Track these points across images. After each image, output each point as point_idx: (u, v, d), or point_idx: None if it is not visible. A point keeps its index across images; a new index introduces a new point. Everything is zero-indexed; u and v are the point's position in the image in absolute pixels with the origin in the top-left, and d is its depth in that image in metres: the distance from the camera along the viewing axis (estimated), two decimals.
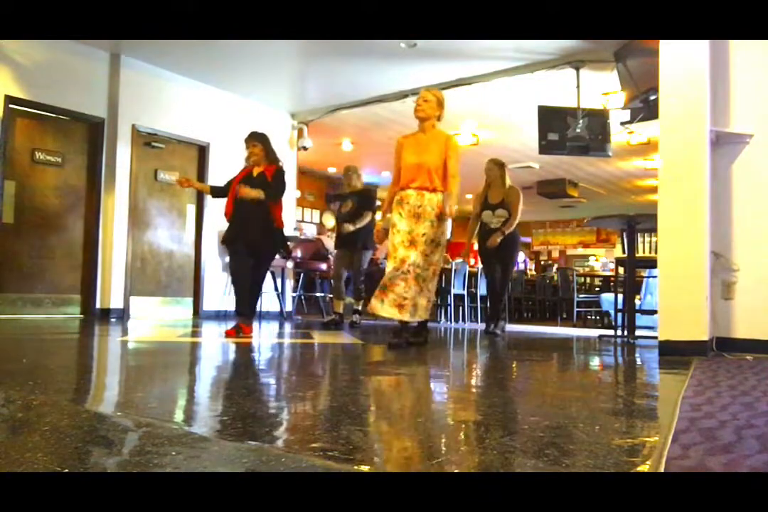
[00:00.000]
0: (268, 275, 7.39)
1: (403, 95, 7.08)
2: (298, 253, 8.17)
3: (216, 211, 7.16)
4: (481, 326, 7.36)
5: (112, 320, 5.96)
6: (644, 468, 1.09)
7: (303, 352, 3.77)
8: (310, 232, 10.44)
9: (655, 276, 4.94)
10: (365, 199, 6.13)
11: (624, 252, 4.83)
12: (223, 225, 7.21)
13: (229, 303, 7.27)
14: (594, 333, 6.15)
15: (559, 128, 6.11)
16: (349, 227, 5.93)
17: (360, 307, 6.22)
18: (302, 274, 7.80)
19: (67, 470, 1.01)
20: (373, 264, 7.56)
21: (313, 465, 1.08)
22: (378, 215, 6.26)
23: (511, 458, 1.19)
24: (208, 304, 7.10)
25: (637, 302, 5.95)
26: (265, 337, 4.74)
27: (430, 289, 3.87)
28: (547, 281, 10.87)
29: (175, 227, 6.90)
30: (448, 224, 4.01)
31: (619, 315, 5.12)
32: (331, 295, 8.40)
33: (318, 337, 4.69)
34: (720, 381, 2.36)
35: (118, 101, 6.24)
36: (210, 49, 5.97)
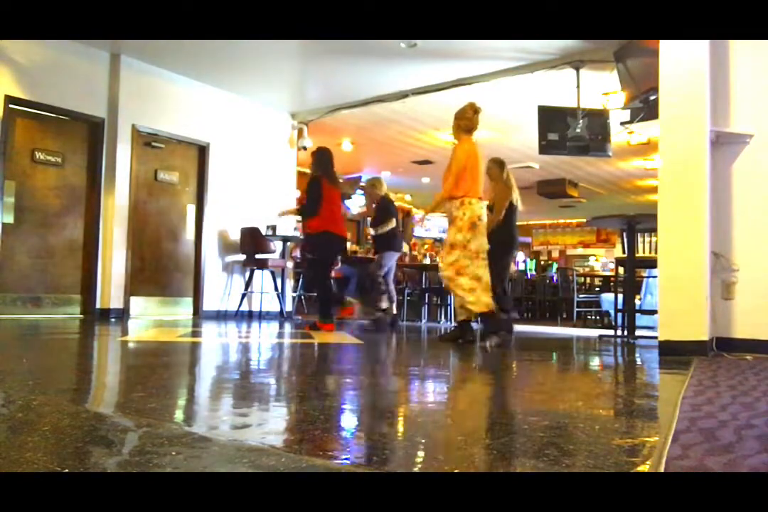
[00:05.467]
0: (268, 275, 7.44)
1: (403, 95, 7.08)
2: (297, 253, 8.17)
3: (216, 211, 7.18)
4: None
5: (112, 320, 5.96)
6: (644, 468, 1.09)
7: (303, 352, 3.77)
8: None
9: (655, 276, 4.94)
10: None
11: (624, 252, 4.83)
12: (223, 225, 7.28)
13: (229, 304, 7.30)
14: (594, 333, 6.15)
15: (559, 128, 6.11)
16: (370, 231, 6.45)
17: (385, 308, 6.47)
18: (302, 274, 7.80)
19: (67, 470, 1.01)
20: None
21: (313, 465, 1.08)
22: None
23: (511, 458, 1.19)
24: (208, 304, 7.10)
25: (637, 302, 5.95)
26: (265, 337, 4.74)
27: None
28: (547, 281, 10.88)
29: (175, 227, 6.90)
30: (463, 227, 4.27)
31: (619, 315, 5.12)
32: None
33: (318, 337, 4.69)
34: (720, 381, 2.36)
35: (118, 101, 6.24)
36: (210, 49, 5.97)
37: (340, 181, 6.56)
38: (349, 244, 10.07)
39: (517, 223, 5.41)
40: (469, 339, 4.32)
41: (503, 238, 5.12)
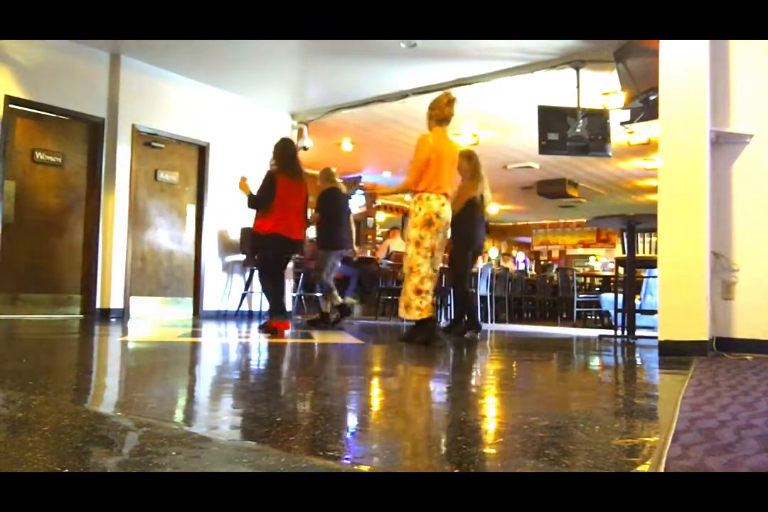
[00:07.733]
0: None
1: (403, 95, 7.08)
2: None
3: (216, 211, 7.17)
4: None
5: (112, 320, 5.96)
6: (644, 468, 1.09)
7: (304, 352, 3.77)
8: (311, 232, 10.39)
9: (655, 276, 4.94)
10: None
11: (624, 252, 4.83)
12: (223, 225, 7.28)
13: (229, 304, 7.30)
14: (594, 333, 6.15)
15: (559, 128, 6.11)
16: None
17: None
18: (302, 274, 7.80)
19: (67, 470, 1.01)
20: (373, 264, 7.52)
21: (313, 465, 1.08)
22: None
23: (511, 458, 1.19)
24: (208, 304, 7.10)
25: (637, 302, 5.95)
26: (265, 337, 4.73)
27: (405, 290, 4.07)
28: (547, 281, 10.87)
29: (175, 227, 6.90)
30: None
31: (619, 315, 5.12)
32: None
33: (318, 337, 4.69)
34: (720, 381, 2.36)
35: (118, 101, 6.24)
36: (210, 49, 5.97)
37: (340, 181, 6.43)
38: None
39: (482, 221, 5.12)
40: (438, 345, 3.94)
41: (459, 234, 4.88)
